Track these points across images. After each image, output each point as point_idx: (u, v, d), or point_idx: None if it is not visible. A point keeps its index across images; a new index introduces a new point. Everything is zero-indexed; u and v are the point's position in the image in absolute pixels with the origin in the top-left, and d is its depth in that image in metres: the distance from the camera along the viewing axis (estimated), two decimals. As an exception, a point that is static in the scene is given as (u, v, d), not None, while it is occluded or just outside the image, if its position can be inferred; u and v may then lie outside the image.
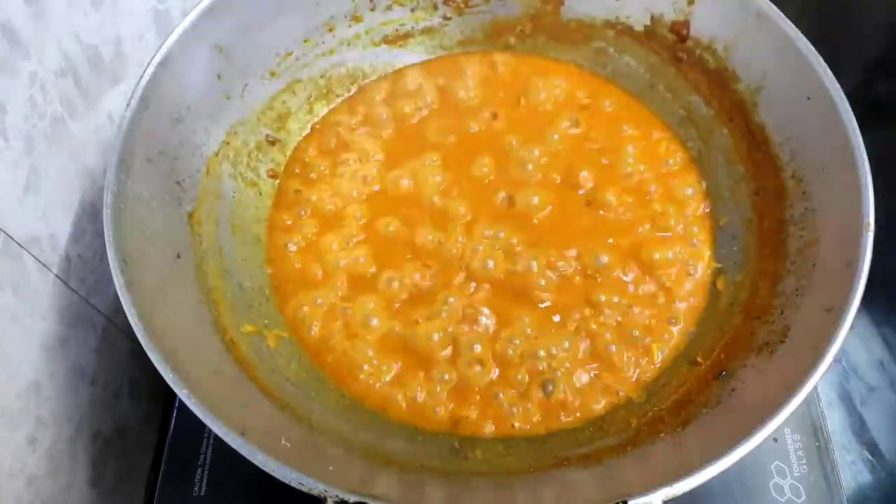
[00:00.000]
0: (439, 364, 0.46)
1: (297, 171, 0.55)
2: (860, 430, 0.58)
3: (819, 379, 0.36)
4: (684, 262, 0.49)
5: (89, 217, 0.48)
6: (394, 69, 0.59)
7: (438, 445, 0.44)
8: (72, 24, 0.45)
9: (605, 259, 0.49)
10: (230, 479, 0.48)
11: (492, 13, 0.58)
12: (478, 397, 0.45)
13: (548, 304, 0.48)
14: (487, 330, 0.47)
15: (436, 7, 0.58)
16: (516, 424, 0.45)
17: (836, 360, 0.36)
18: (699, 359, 0.45)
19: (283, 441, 0.37)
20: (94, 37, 0.47)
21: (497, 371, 0.46)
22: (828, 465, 0.48)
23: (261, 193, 0.53)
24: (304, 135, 0.56)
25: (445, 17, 0.59)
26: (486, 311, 0.48)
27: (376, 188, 0.53)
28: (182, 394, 0.35)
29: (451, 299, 0.48)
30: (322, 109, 0.57)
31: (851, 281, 0.38)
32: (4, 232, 0.39)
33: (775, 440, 0.49)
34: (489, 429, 0.44)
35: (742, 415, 0.38)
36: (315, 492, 0.33)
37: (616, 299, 0.48)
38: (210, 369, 0.40)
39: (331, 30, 0.56)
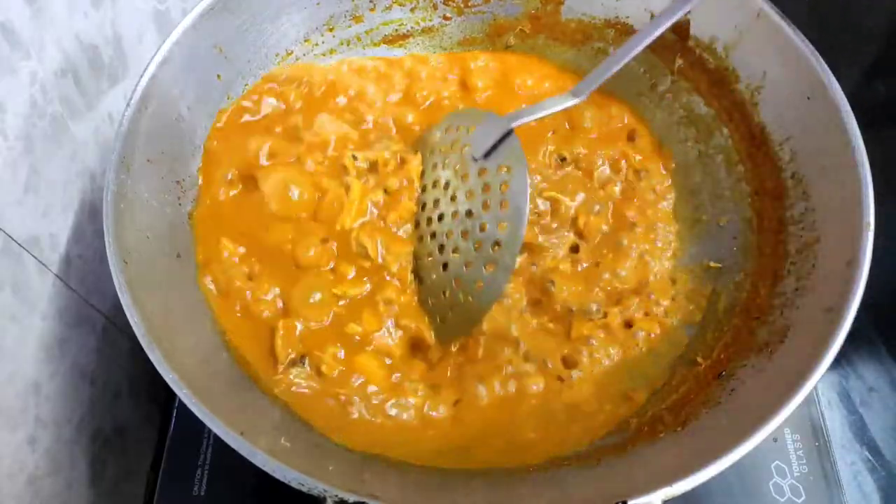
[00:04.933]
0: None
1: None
2: (860, 430, 0.58)
3: (819, 379, 0.36)
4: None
5: (89, 217, 0.48)
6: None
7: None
8: (72, 24, 0.45)
9: (604, 256, 0.49)
10: (230, 479, 0.48)
11: (492, 13, 0.58)
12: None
13: (545, 305, 0.48)
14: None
15: (436, 7, 0.58)
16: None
17: (836, 360, 0.36)
18: (699, 359, 0.45)
19: (282, 441, 0.37)
20: (95, 37, 0.47)
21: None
22: (828, 465, 0.48)
23: (261, 193, 0.53)
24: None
25: (445, 17, 0.59)
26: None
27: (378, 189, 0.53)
28: (182, 394, 0.35)
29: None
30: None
31: (851, 281, 0.38)
32: (4, 232, 0.39)
33: (775, 440, 0.49)
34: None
35: (742, 415, 0.38)
36: (315, 492, 0.33)
37: (615, 303, 0.48)
38: (210, 369, 0.40)
39: (331, 30, 0.56)
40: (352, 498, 0.33)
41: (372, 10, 0.57)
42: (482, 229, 0.44)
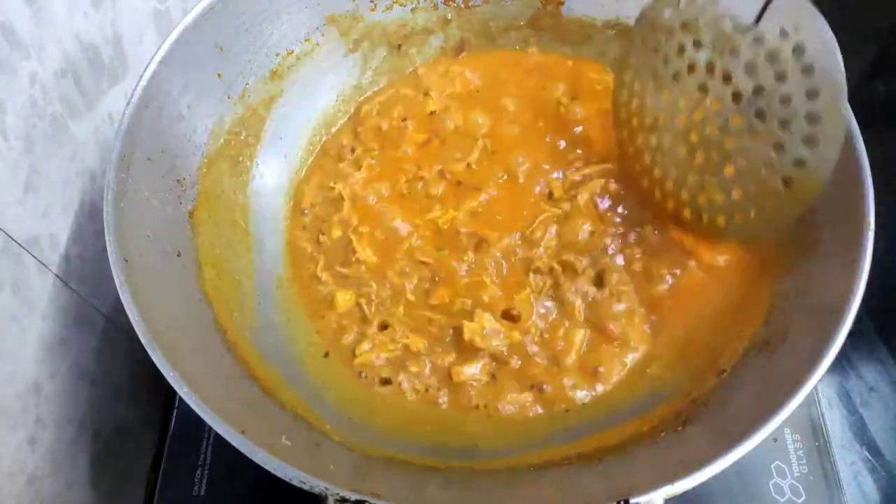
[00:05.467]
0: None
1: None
2: (860, 430, 0.58)
3: (819, 379, 0.36)
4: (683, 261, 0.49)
5: (89, 217, 0.48)
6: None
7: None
8: (72, 24, 0.45)
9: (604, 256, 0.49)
10: (230, 479, 0.48)
11: (492, 13, 0.58)
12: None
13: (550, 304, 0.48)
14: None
15: (436, 7, 0.58)
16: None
17: (836, 360, 0.36)
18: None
19: (283, 440, 0.37)
20: (95, 37, 0.47)
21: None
22: (828, 465, 0.48)
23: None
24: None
25: (445, 18, 0.59)
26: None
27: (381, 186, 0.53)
28: (183, 392, 0.35)
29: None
30: (322, 109, 0.58)
31: (851, 281, 0.38)
32: (4, 232, 0.39)
33: (775, 440, 0.49)
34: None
35: (742, 414, 0.38)
36: (316, 490, 0.33)
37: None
38: (210, 368, 0.40)
39: (331, 30, 0.56)
40: (353, 496, 0.33)
41: (373, 10, 0.57)
42: (785, 103, 0.38)
